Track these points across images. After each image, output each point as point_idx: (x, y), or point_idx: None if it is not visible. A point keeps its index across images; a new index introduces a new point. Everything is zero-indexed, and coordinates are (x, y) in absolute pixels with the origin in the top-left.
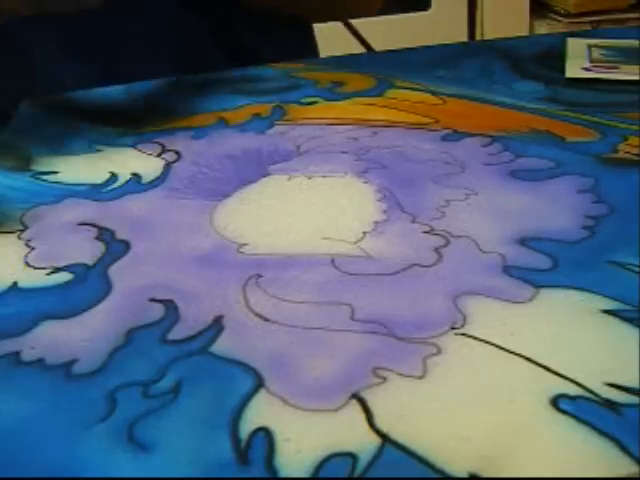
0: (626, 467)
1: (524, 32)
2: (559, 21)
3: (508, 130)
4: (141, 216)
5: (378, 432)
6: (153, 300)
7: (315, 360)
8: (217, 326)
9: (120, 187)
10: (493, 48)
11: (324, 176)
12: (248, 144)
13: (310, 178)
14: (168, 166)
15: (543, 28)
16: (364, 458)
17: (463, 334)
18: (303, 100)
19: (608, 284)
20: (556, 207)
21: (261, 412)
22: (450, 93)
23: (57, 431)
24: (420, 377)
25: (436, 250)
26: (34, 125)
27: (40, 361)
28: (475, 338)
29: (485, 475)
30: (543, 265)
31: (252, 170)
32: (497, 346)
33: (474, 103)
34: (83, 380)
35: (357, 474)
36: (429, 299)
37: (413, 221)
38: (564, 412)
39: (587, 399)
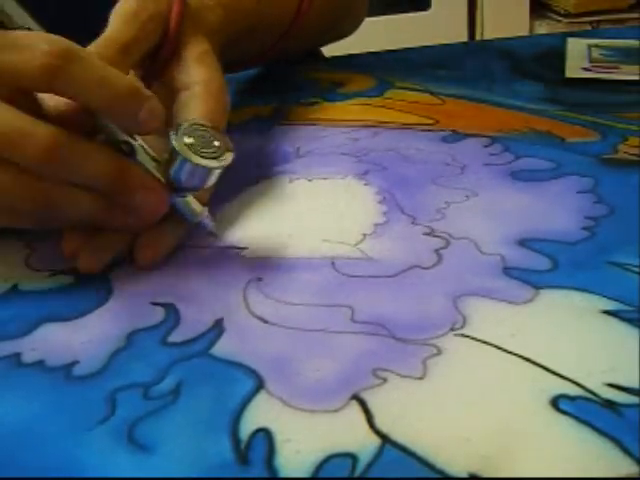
0: (626, 467)
1: (524, 32)
2: (559, 21)
3: (508, 130)
4: None
5: (378, 433)
6: (154, 303)
7: (315, 361)
8: (217, 328)
9: None
10: (493, 48)
11: (324, 178)
12: (249, 145)
13: (310, 180)
14: None
15: (543, 28)
16: (364, 459)
17: (463, 335)
18: (303, 100)
19: (608, 284)
20: (556, 208)
21: (261, 413)
22: (450, 93)
23: (58, 432)
24: (420, 378)
25: (436, 252)
26: None
27: (41, 363)
28: (475, 339)
29: (485, 475)
30: (543, 266)
31: (252, 172)
32: (497, 347)
33: (474, 103)
34: (84, 382)
35: (357, 474)
36: (429, 300)
37: (413, 223)
38: (564, 412)
39: (587, 399)
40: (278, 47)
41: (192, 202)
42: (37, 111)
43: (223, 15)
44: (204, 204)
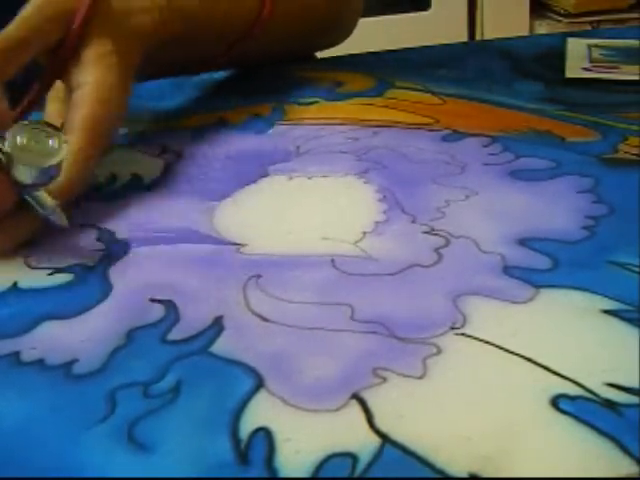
0: (626, 467)
1: (524, 32)
2: (559, 21)
3: (508, 130)
4: (141, 217)
5: (378, 432)
6: (153, 300)
7: (315, 360)
8: (217, 326)
9: (121, 188)
10: (493, 48)
11: (324, 176)
12: (248, 144)
13: (310, 178)
14: (168, 166)
15: (543, 28)
16: (364, 458)
17: (463, 334)
18: (303, 100)
19: (608, 284)
20: (556, 207)
21: (261, 412)
22: (450, 93)
23: (57, 431)
24: (420, 377)
25: (436, 250)
26: None
27: (40, 361)
28: (475, 338)
29: (485, 475)
30: (543, 265)
31: (252, 170)
32: (497, 346)
33: (474, 103)
34: (83, 380)
35: (357, 474)
36: (429, 299)
37: (413, 221)
38: (564, 412)
39: (587, 399)
40: (235, 51)
41: (41, 196)
42: None
43: (157, 17)
44: (59, 197)
